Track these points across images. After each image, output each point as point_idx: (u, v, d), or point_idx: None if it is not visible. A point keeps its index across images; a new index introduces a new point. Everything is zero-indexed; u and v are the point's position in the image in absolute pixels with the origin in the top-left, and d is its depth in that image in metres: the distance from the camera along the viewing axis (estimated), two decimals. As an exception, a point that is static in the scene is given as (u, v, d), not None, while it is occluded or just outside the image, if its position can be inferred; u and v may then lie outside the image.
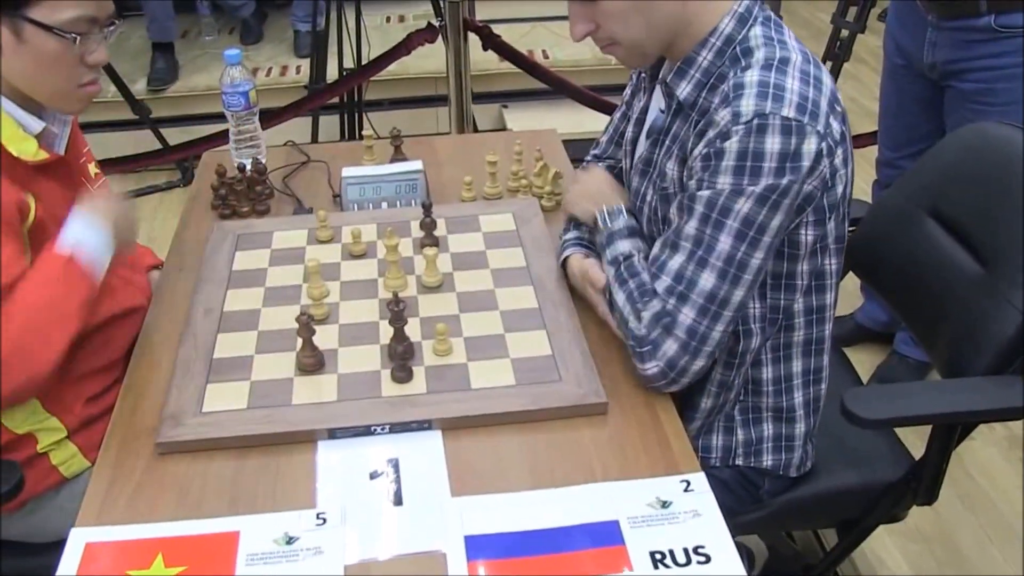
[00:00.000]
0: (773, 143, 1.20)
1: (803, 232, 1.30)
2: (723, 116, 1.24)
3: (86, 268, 1.38)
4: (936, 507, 2.20)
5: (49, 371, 1.33)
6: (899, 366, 2.58)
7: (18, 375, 1.30)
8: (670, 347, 1.29)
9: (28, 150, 1.36)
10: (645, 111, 1.47)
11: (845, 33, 2.99)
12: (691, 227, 1.27)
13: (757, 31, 1.28)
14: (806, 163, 1.21)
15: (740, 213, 1.23)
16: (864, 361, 2.65)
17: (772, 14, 1.32)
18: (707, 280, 1.26)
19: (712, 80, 1.29)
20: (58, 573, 1.12)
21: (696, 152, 1.27)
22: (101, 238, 1.41)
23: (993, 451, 2.43)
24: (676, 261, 1.29)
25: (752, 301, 1.36)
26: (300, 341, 1.39)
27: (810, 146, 1.21)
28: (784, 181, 1.21)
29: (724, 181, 1.23)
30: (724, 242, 1.24)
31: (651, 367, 1.31)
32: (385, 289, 1.54)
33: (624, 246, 1.41)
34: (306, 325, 1.36)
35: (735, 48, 1.28)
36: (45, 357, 1.32)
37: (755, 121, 1.20)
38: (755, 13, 1.30)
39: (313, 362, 1.39)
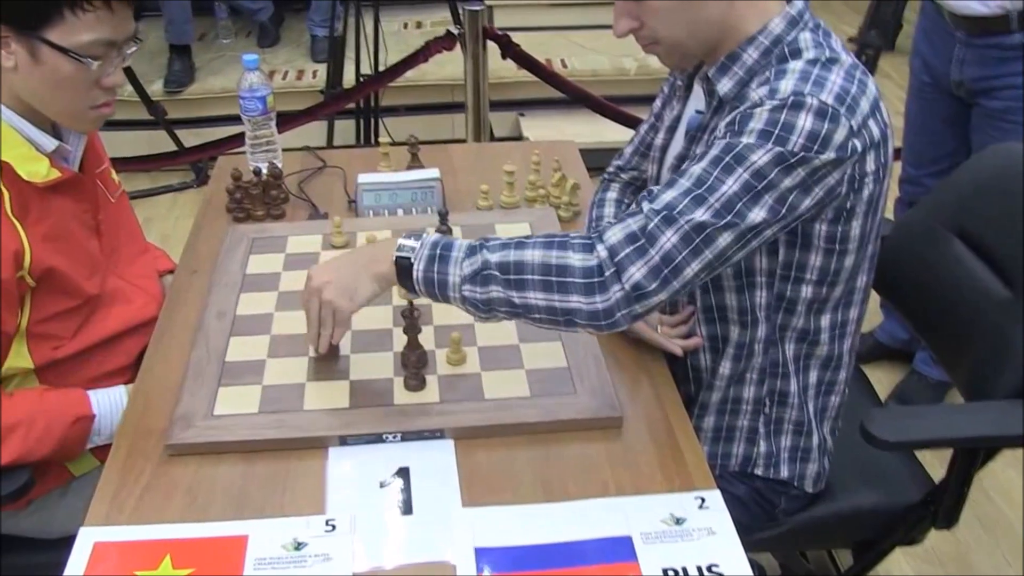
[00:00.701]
0: (806, 121, 1.17)
1: (818, 225, 1.28)
2: (759, 92, 1.22)
3: (84, 436, 1.43)
4: (955, 532, 2.18)
5: None
6: (918, 385, 2.56)
7: None
8: (639, 269, 1.16)
9: (39, 171, 1.35)
10: (679, 119, 1.46)
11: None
12: (699, 167, 1.20)
13: (807, 35, 1.27)
14: (832, 153, 1.18)
15: (754, 165, 1.17)
16: (882, 379, 2.63)
17: (822, 22, 1.30)
18: (700, 214, 1.17)
19: (754, 77, 1.27)
20: (66, 572, 1.11)
21: (722, 123, 1.24)
22: (111, 428, 1.43)
23: (1013, 473, 2.39)
24: (670, 194, 1.19)
25: (759, 291, 1.34)
26: None
27: (838, 137, 1.18)
28: (804, 155, 1.17)
29: (748, 138, 1.18)
30: (729, 186, 1.18)
31: (615, 292, 1.16)
32: (400, 297, 1.53)
33: (463, 242, 1.23)
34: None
35: (783, 48, 1.26)
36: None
37: (792, 98, 1.18)
38: (806, 18, 1.28)
39: (329, 353, 1.39)
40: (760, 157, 1.17)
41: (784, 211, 1.20)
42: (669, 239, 1.17)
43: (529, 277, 1.18)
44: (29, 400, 1.37)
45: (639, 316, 1.20)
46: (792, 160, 1.17)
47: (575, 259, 1.18)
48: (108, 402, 1.44)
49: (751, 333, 1.38)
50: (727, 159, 1.18)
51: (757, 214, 1.18)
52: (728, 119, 1.23)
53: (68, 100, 1.36)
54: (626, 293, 1.17)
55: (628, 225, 1.19)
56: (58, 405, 1.39)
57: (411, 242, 1.24)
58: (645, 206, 1.20)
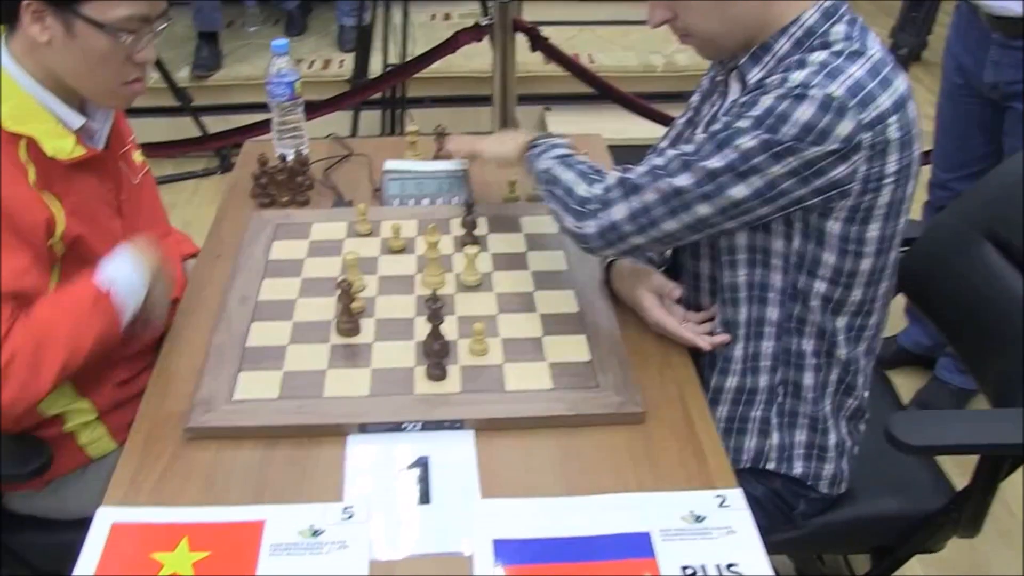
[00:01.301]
0: (804, 112, 1.18)
1: (830, 223, 1.27)
2: (774, 79, 1.23)
3: (116, 307, 1.36)
4: (974, 543, 2.14)
5: (43, 394, 1.29)
6: (940, 392, 2.53)
7: (14, 387, 1.26)
8: (620, 211, 1.32)
9: (64, 148, 1.35)
10: (716, 116, 1.44)
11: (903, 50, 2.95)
12: (699, 136, 1.29)
13: (840, 28, 1.26)
14: (830, 144, 1.18)
15: (741, 147, 1.22)
16: (904, 385, 2.59)
17: (859, 17, 1.29)
18: (682, 179, 1.28)
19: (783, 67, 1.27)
20: (84, 551, 1.11)
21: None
22: (139, 284, 1.39)
23: (1033, 485, 2.36)
24: (659, 160, 1.32)
25: (773, 273, 1.34)
26: (339, 307, 1.41)
27: (843, 130, 1.18)
28: (793, 145, 1.19)
29: (743, 122, 1.22)
30: (714, 161, 1.25)
31: (592, 224, 1.35)
32: (423, 286, 1.52)
33: (566, 150, 1.49)
34: (346, 292, 1.38)
35: (814, 40, 1.25)
36: (45, 378, 1.29)
37: (798, 89, 1.19)
38: (842, 11, 1.27)
39: (351, 327, 1.41)
40: (747, 141, 1.22)
41: (773, 194, 1.24)
42: (650, 194, 1.30)
43: (556, 188, 1.43)
44: (47, 309, 1.32)
45: (618, 251, 1.39)
46: (779, 148, 1.20)
47: (583, 188, 1.38)
48: (114, 270, 1.38)
49: (762, 312, 1.37)
50: (720, 136, 1.25)
51: (740, 191, 1.24)
52: (741, 99, 1.25)
53: (101, 75, 1.36)
54: (602, 228, 1.34)
55: (612, 176, 1.36)
56: (71, 300, 1.35)
57: (546, 137, 1.55)
58: (634, 167, 1.34)
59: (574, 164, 1.43)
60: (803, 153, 1.19)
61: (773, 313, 1.37)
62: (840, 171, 1.21)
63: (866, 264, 1.31)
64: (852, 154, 1.19)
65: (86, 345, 1.33)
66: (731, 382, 1.42)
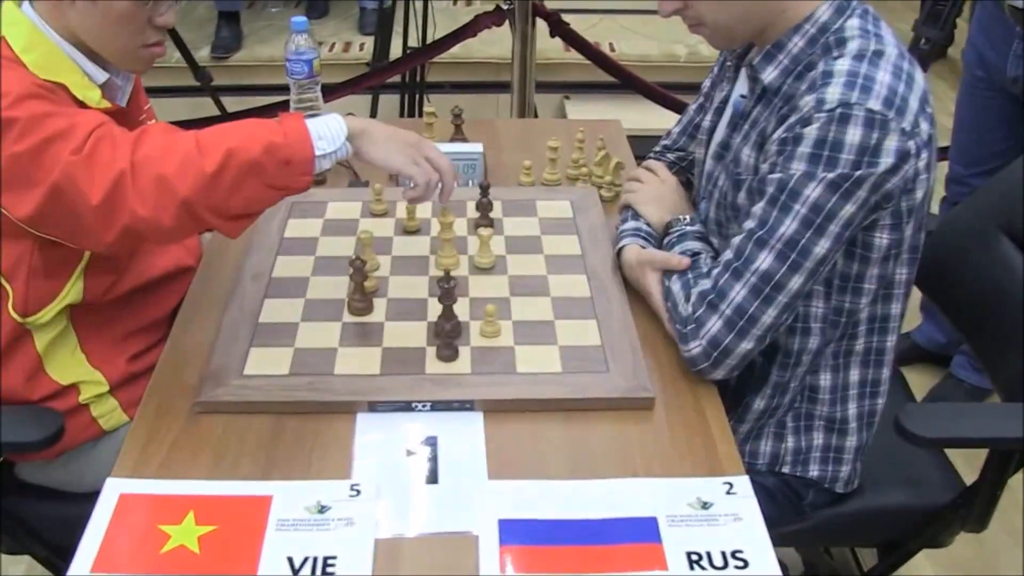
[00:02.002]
0: (854, 134, 1.16)
1: (877, 235, 1.26)
2: (807, 102, 1.20)
3: (305, 129, 1.25)
4: (981, 539, 2.13)
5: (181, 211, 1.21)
6: (954, 390, 2.51)
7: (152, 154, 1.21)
8: (714, 324, 1.27)
9: (92, 98, 1.36)
10: (726, 101, 1.44)
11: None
12: (759, 208, 1.24)
13: (854, 22, 1.25)
14: (885, 159, 1.17)
15: (809, 199, 1.19)
16: (918, 382, 2.57)
17: (871, 8, 1.28)
18: (764, 260, 1.23)
19: (800, 68, 1.26)
20: (91, 520, 1.12)
21: (775, 136, 1.24)
22: (337, 124, 1.28)
23: (1044, 484, 2.35)
24: (738, 240, 1.27)
25: (816, 300, 1.32)
26: (352, 285, 1.42)
27: (891, 143, 1.17)
28: (859, 173, 1.17)
29: (797, 166, 1.20)
30: (788, 225, 1.21)
31: (694, 346, 1.29)
32: (437, 267, 1.52)
33: (695, 245, 1.41)
34: (360, 270, 1.38)
35: (828, 37, 1.25)
36: (209, 159, 1.20)
37: (839, 110, 1.17)
38: (853, 4, 1.26)
39: (363, 306, 1.41)
40: (813, 190, 1.19)
41: (849, 233, 1.22)
42: (739, 293, 1.25)
43: (667, 299, 1.37)
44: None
45: (731, 367, 1.30)
46: (847, 184, 1.17)
47: (681, 304, 1.33)
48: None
49: (804, 343, 1.36)
50: (783, 198, 1.21)
51: (822, 245, 1.21)
52: (780, 133, 1.22)
53: (122, 38, 1.37)
54: (704, 348, 1.28)
55: (702, 284, 1.30)
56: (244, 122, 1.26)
57: (683, 222, 1.45)
58: (720, 260, 1.29)
59: (684, 273, 1.36)
60: (867, 181, 1.18)
61: (814, 342, 1.35)
62: (893, 183, 1.20)
63: (891, 255, 1.30)
64: (903, 164, 1.19)
65: (255, 146, 1.21)
66: (762, 403, 1.41)
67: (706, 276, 1.31)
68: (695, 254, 1.38)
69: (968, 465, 1.57)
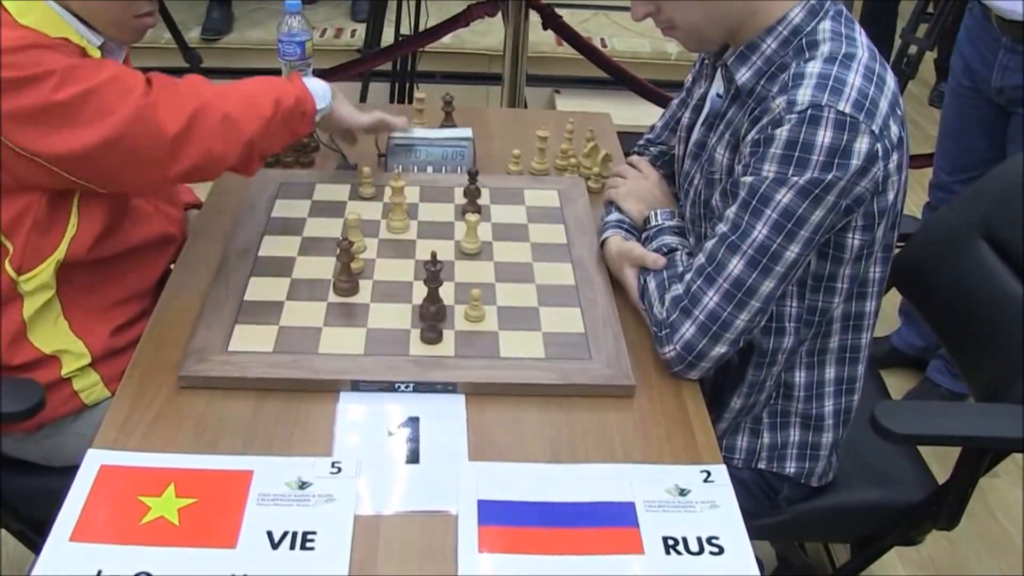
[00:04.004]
0: (824, 136, 1.17)
1: (850, 236, 1.28)
2: (778, 103, 1.21)
3: (307, 89, 1.52)
4: (954, 542, 2.17)
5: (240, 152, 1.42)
6: (930, 394, 2.53)
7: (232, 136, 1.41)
8: (688, 330, 1.28)
9: (94, 55, 1.37)
10: (704, 98, 1.45)
11: (913, 49, 2.93)
12: (731, 212, 1.26)
13: (827, 25, 1.26)
14: (855, 162, 1.18)
15: (780, 204, 1.20)
16: (895, 386, 2.60)
17: (844, 9, 1.29)
18: (735, 266, 1.25)
19: (773, 69, 1.27)
20: (72, 491, 1.12)
21: (748, 139, 1.25)
22: (325, 89, 1.57)
23: (1018, 492, 2.37)
24: (711, 244, 1.28)
25: (790, 300, 1.33)
26: (339, 266, 1.43)
27: (862, 145, 1.18)
28: (829, 176, 1.18)
29: (769, 168, 1.21)
30: (759, 231, 1.22)
31: (669, 350, 1.31)
32: (388, 231, 1.56)
33: (671, 240, 1.41)
34: (347, 250, 1.39)
35: (801, 39, 1.25)
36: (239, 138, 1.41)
37: (809, 111, 1.18)
38: (827, 6, 1.27)
39: (349, 287, 1.42)
40: (784, 195, 1.20)
41: (819, 237, 1.23)
42: (711, 299, 1.27)
43: (643, 296, 1.39)
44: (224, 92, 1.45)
45: (706, 368, 1.32)
46: (817, 191, 1.19)
47: (656, 307, 1.35)
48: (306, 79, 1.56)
49: (779, 343, 1.37)
50: (754, 203, 1.22)
51: (793, 250, 1.23)
52: (753, 135, 1.23)
53: (114, 8, 1.37)
54: (678, 353, 1.30)
55: (675, 289, 1.31)
56: (259, 79, 1.52)
57: (658, 217, 1.47)
58: (693, 264, 1.30)
59: (661, 270, 1.37)
60: (836, 186, 1.19)
61: (788, 341, 1.37)
62: (863, 187, 1.21)
63: (863, 255, 1.32)
64: (871, 166, 1.20)
65: (288, 97, 1.48)
66: (739, 403, 1.42)
67: (679, 280, 1.32)
68: (671, 250, 1.39)
69: (941, 464, 1.59)
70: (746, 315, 1.26)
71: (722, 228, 1.26)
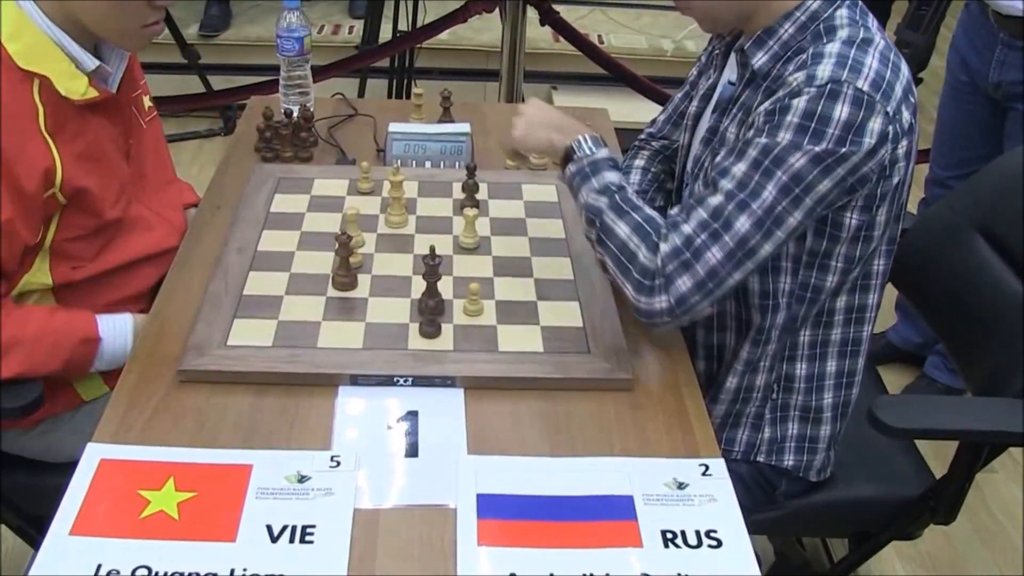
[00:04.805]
0: (842, 110, 1.17)
1: (848, 215, 1.28)
2: (796, 77, 1.22)
3: (94, 357, 1.43)
4: (951, 537, 2.18)
5: None
6: (927, 390, 2.54)
7: None
8: (685, 283, 1.23)
9: (77, 89, 1.35)
10: (714, 88, 1.45)
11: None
12: (739, 169, 1.22)
13: (843, 12, 1.27)
14: (868, 140, 1.18)
15: (793, 168, 1.19)
16: (892, 381, 2.59)
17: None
18: (743, 224, 1.21)
19: (789, 53, 1.27)
20: (71, 485, 1.12)
21: (760, 109, 1.25)
22: (122, 357, 1.43)
23: (1015, 488, 2.38)
24: (716, 199, 1.23)
25: (783, 276, 1.34)
26: (337, 260, 1.42)
27: (876, 125, 1.18)
28: (843, 150, 1.18)
29: (784, 136, 1.19)
30: (769, 192, 1.20)
31: (660, 301, 1.24)
32: (387, 226, 1.56)
33: (613, 176, 1.32)
34: (345, 245, 1.39)
35: (819, 25, 1.26)
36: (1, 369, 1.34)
37: (829, 86, 1.18)
38: None
39: (348, 281, 1.42)
40: (798, 160, 1.19)
41: (821, 208, 1.23)
42: (715, 255, 1.23)
43: (609, 244, 1.29)
44: (39, 316, 1.39)
45: (681, 324, 1.31)
46: (830, 160, 1.18)
47: (643, 254, 1.25)
48: (113, 328, 1.45)
49: (771, 319, 1.37)
50: (767, 163, 1.20)
51: (796, 216, 1.22)
52: (767, 106, 1.23)
53: (121, 17, 1.36)
54: (671, 305, 1.25)
55: (673, 240, 1.24)
56: (66, 325, 1.40)
57: (587, 146, 1.34)
58: (692, 219, 1.24)
59: (627, 209, 1.29)
60: (848, 160, 1.19)
61: (780, 317, 1.37)
62: (869, 167, 1.21)
63: (871, 245, 1.32)
64: (881, 147, 1.20)
65: (49, 366, 1.38)
66: (734, 382, 1.43)
67: (673, 229, 1.24)
68: (620, 188, 1.31)
69: (938, 459, 1.59)
70: (739, 275, 1.24)
71: (727, 185, 1.22)
